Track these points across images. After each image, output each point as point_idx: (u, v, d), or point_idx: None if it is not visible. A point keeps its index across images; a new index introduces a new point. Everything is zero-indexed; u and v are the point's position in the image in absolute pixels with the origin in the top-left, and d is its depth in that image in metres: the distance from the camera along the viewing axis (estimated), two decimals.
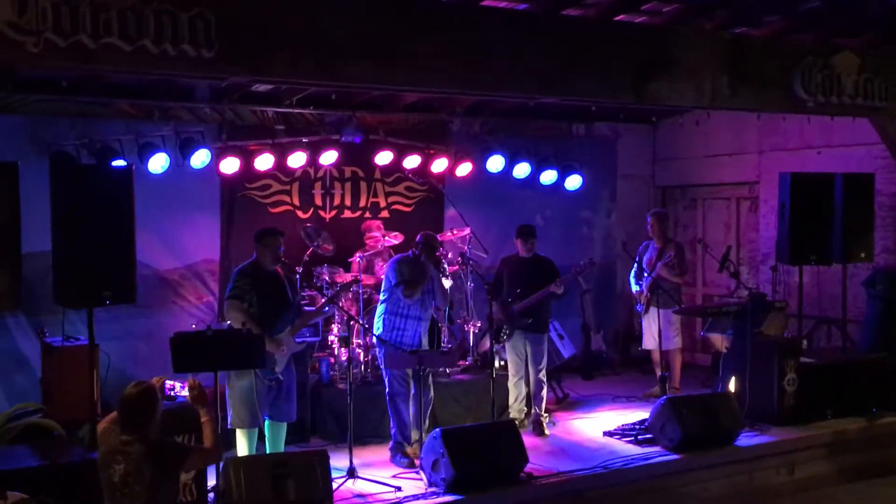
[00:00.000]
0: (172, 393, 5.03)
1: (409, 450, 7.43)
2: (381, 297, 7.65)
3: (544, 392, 8.39)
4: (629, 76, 7.55)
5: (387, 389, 7.49)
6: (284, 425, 6.97)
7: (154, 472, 4.45)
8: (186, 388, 4.92)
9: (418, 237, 7.67)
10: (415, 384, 7.45)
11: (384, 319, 7.51)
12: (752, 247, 11.11)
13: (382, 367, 7.51)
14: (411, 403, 7.46)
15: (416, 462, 7.12)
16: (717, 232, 11.47)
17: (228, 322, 6.72)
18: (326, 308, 7.38)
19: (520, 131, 10.76)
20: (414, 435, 7.46)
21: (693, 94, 7.88)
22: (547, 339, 8.52)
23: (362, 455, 7.46)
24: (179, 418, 6.00)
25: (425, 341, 7.62)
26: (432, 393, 7.57)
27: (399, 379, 7.45)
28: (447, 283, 8.96)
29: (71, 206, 5.95)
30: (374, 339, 7.66)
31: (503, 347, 8.35)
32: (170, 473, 4.55)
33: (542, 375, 8.32)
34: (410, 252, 7.67)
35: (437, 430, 6.71)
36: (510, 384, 8.38)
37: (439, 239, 9.17)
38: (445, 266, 8.89)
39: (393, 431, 7.51)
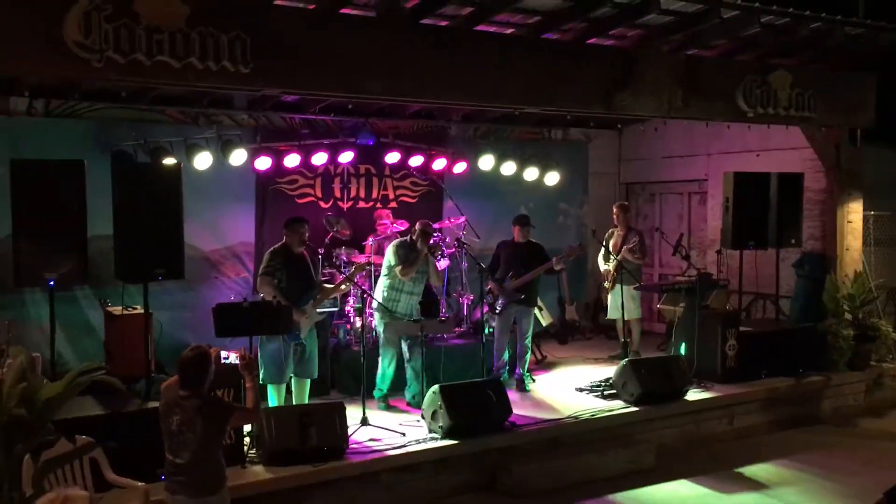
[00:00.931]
0: (226, 361, 5.01)
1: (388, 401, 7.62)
2: (383, 272, 7.67)
3: (528, 356, 8.38)
4: (600, 90, 7.53)
5: (383, 352, 7.56)
6: (308, 381, 6.98)
7: (205, 423, 4.46)
8: (238, 357, 4.90)
9: (417, 225, 7.63)
10: (412, 348, 7.52)
11: (384, 293, 7.56)
12: (701, 234, 11.10)
13: (379, 330, 7.58)
14: (413, 360, 7.60)
15: (389, 402, 7.50)
16: (672, 221, 11.45)
17: (262, 295, 6.70)
18: (343, 285, 7.35)
19: (507, 135, 10.72)
20: (412, 390, 7.61)
21: (653, 105, 7.86)
22: (533, 312, 8.50)
23: (374, 406, 7.50)
24: (222, 376, 5.96)
25: (416, 312, 7.64)
26: (421, 357, 7.56)
27: (390, 342, 7.51)
28: (444, 263, 8.96)
29: (129, 197, 5.94)
30: (374, 307, 7.64)
31: (493, 316, 8.32)
32: (218, 425, 4.56)
33: (528, 342, 8.32)
34: (409, 237, 7.64)
35: (437, 386, 6.72)
36: (496, 348, 8.34)
37: (436, 226, 9.18)
38: (443, 249, 8.88)
39: (378, 379, 7.60)
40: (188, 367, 4.55)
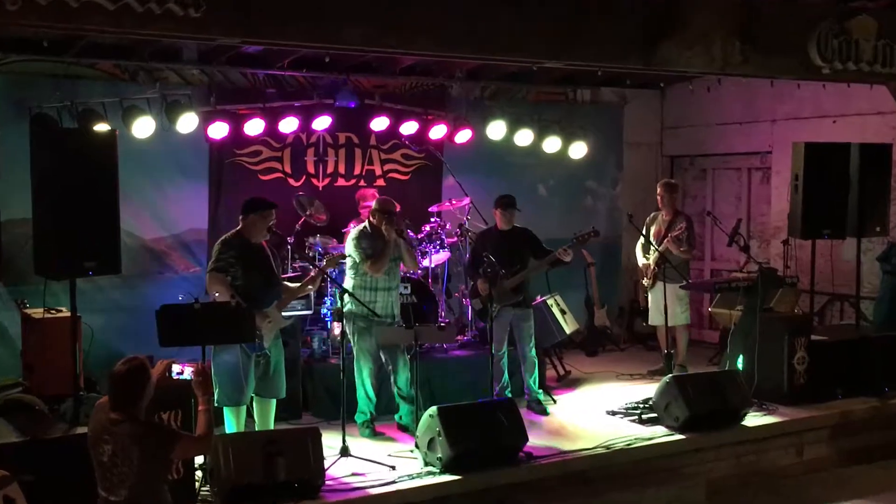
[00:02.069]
0: (180, 377, 5.00)
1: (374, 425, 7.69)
2: (348, 272, 7.67)
3: (536, 369, 8.37)
4: (638, 40, 7.52)
5: (356, 363, 7.58)
6: (273, 402, 6.98)
7: (142, 453, 4.44)
8: (192, 372, 4.91)
9: (374, 203, 7.67)
10: (395, 360, 7.57)
11: (354, 293, 7.53)
12: (763, 220, 11.11)
13: (352, 339, 7.58)
14: (397, 375, 7.63)
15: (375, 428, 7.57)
16: (727, 204, 11.46)
17: (214, 295, 6.70)
18: (313, 282, 7.32)
19: (522, 97, 10.74)
20: (404, 408, 7.67)
21: (704, 59, 7.84)
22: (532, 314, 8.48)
23: (356, 433, 7.51)
24: (167, 395, 5.98)
25: (397, 311, 7.67)
26: (404, 369, 7.59)
27: (366, 353, 7.54)
28: (442, 255, 8.98)
29: (52, 173, 5.93)
30: (345, 310, 7.67)
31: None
32: (159, 457, 4.54)
33: (534, 352, 8.32)
34: (366, 223, 7.66)
35: (434, 408, 6.72)
36: (497, 362, 8.31)
37: (434, 209, 9.24)
38: (442, 238, 8.89)
39: (359, 402, 7.63)
40: (120, 383, 4.54)
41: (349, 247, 7.61)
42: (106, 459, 4.48)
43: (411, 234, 8.66)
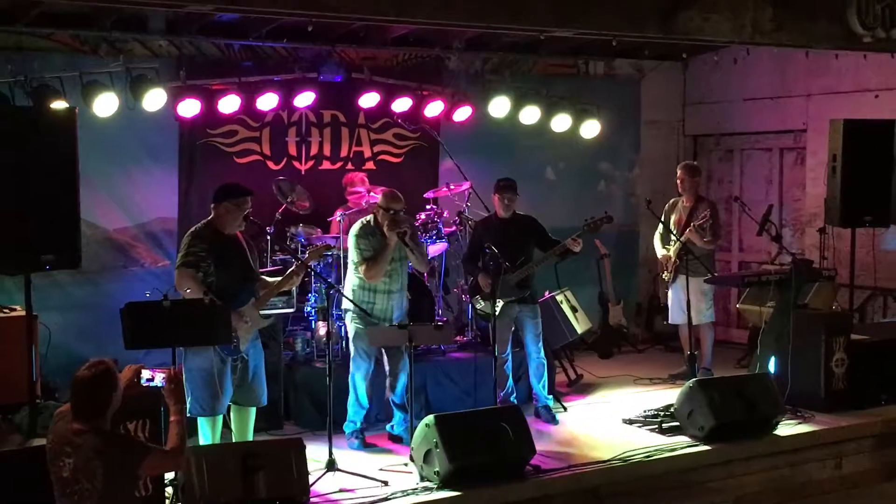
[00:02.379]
0: (150, 384, 5.01)
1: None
2: (350, 268, 7.69)
3: (545, 373, 8.38)
4: (656, 6, 7.52)
5: (356, 366, 7.60)
6: (252, 411, 6.98)
7: (106, 469, 4.44)
8: (164, 378, 4.93)
9: (379, 197, 7.66)
10: (390, 363, 7.60)
11: (353, 292, 7.59)
12: (797, 205, 11.12)
13: (351, 340, 7.62)
14: (396, 380, 7.65)
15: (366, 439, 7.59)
16: (757, 188, 11.47)
17: (188, 291, 6.69)
18: (295, 276, 7.29)
19: (528, 70, 10.73)
20: (397, 416, 7.72)
21: (730, 26, 7.86)
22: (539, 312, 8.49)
23: (344, 444, 7.51)
24: (133, 403, 6.01)
25: (398, 314, 7.67)
26: (405, 374, 7.58)
27: (363, 353, 7.57)
28: (440, 245, 8.98)
29: (3, 155, 5.92)
30: (342, 307, 7.72)
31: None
32: (125, 472, 4.54)
33: (542, 353, 8.33)
34: (371, 217, 7.66)
35: (431, 416, 6.73)
36: (502, 368, 8.31)
37: (430, 195, 9.23)
38: (440, 227, 8.90)
39: (349, 410, 7.65)
40: (84, 390, 4.54)
41: (350, 239, 7.63)
42: (67, 474, 4.48)
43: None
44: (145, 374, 4.99)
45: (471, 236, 8.49)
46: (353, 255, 7.60)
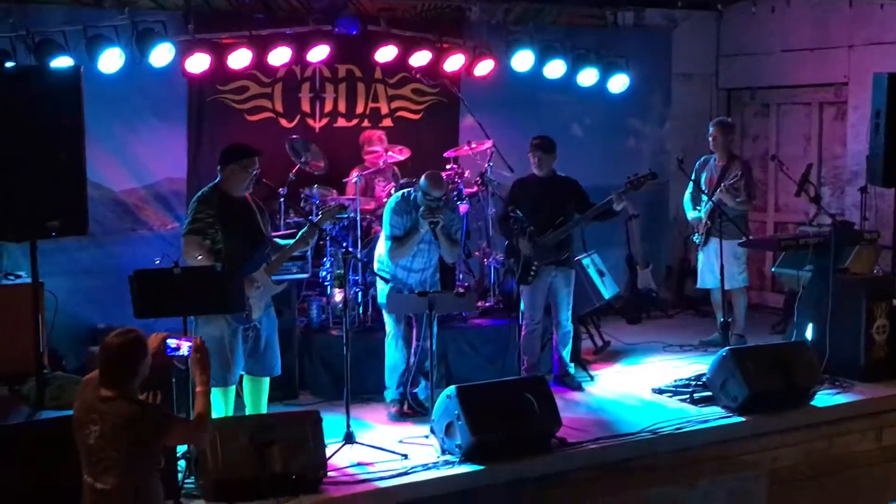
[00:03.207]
0: (177, 353, 5.05)
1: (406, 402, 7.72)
2: (383, 233, 7.70)
3: (570, 343, 8.44)
4: None
5: (387, 330, 7.64)
6: (266, 381, 7.03)
7: (132, 438, 4.51)
8: (191, 347, 4.99)
9: (422, 179, 7.54)
10: (416, 328, 7.61)
11: (381, 261, 7.61)
12: (838, 163, 11.04)
13: (381, 301, 7.66)
14: (411, 352, 7.67)
15: (407, 411, 7.55)
16: (795, 145, 11.38)
17: (199, 257, 6.71)
18: (309, 239, 7.27)
19: (553, 21, 10.64)
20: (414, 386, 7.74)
21: None
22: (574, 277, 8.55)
23: (362, 415, 7.55)
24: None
25: (428, 286, 7.69)
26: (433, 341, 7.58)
27: (392, 316, 7.62)
28: (461, 207, 8.94)
29: (5, 118, 5.93)
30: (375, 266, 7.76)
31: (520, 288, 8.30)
32: (150, 442, 4.61)
33: (570, 322, 8.40)
34: (415, 190, 7.62)
35: (452, 387, 6.76)
36: (529, 333, 8.36)
37: (450, 154, 9.21)
38: (461, 188, 8.87)
39: (386, 376, 7.70)
40: (113, 357, 4.60)
41: (385, 211, 7.64)
42: (93, 442, 4.55)
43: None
44: (170, 342, 5.05)
45: (508, 195, 8.48)
46: (385, 227, 7.63)
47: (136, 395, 4.67)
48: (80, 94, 6.09)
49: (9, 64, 7.34)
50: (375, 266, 7.76)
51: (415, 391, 7.82)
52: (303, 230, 7.09)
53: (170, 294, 6.15)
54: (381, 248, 7.75)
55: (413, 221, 7.53)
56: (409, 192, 7.68)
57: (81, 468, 4.63)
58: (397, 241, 7.53)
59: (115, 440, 4.51)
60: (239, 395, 7.06)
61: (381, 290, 7.68)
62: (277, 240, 7.20)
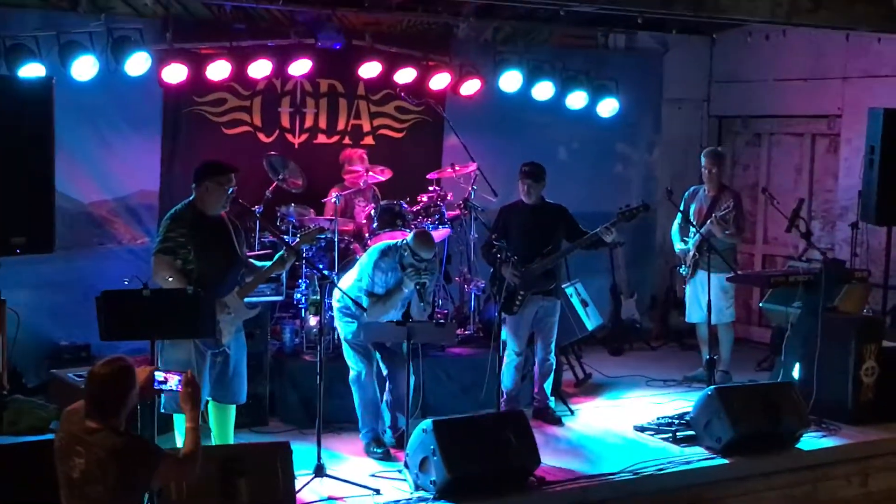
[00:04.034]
0: (164, 387, 4.99)
1: (385, 439, 7.61)
2: (357, 275, 7.55)
3: (552, 374, 8.41)
4: None
5: (349, 370, 7.55)
6: (232, 408, 6.95)
7: (120, 473, 4.46)
8: (180, 381, 4.93)
9: (410, 239, 7.34)
10: (389, 362, 7.54)
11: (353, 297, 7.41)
12: (829, 197, 11.05)
13: (342, 334, 7.56)
14: (387, 384, 7.59)
15: (392, 452, 7.37)
16: (786, 176, 11.40)
17: (166, 280, 6.61)
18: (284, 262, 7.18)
19: (543, 41, 10.65)
20: (388, 419, 7.65)
21: (767, 5, 7.81)
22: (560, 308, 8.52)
23: (334, 446, 7.49)
24: None
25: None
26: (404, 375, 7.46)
27: (360, 350, 7.50)
28: (441, 231, 8.90)
29: None
30: (336, 300, 7.63)
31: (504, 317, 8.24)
32: (137, 477, 4.56)
33: (553, 355, 8.38)
34: (403, 243, 7.40)
35: (429, 421, 6.70)
36: (511, 365, 8.32)
37: (433, 176, 9.17)
38: (443, 211, 8.82)
39: (360, 415, 7.59)
40: (101, 387, 4.57)
41: (366, 262, 7.45)
42: (76, 475, 4.51)
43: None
44: (157, 375, 5.00)
45: (494, 221, 8.43)
46: (363, 276, 7.43)
47: (123, 426, 4.62)
48: (51, 107, 6.05)
49: None
50: (336, 303, 7.60)
51: (392, 424, 7.74)
52: (280, 253, 7.01)
53: (138, 316, 6.06)
54: (347, 281, 7.57)
55: (397, 280, 7.39)
56: (393, 245, 7.50)
57: (61, 500, 4.58)
58: (377, 298, 7.38)
59: (101, 474, 4.47)
60: (204, 419, 6.97)
61: (347, 324, 7.52)
62: (254, 261, 7.12)
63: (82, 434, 4.52)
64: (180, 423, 6.73)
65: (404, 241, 7.40)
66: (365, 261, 7.51)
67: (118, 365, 4.61)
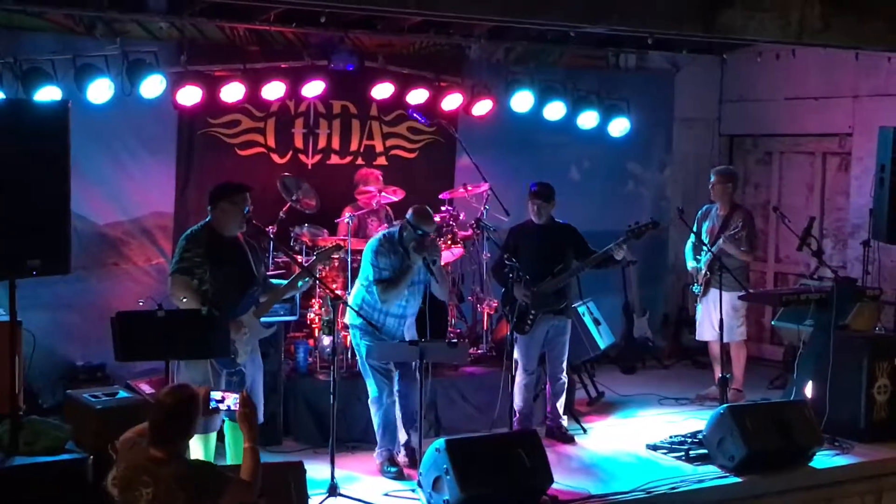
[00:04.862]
0: (221, 405, 5.02)
1: (399, 458, 7.57)
2: (360, 281, 7.61)
3: (564, 393, 8.40)
4: (697, 1, 7.47)
5: (369, 390, 7.54)
6: None
7: (188, 499, 4.50)
8: (237, 401, 4.97)
9: (408, 213, 7.47)
10: (402, 380, 7.52)
11: (361, 309, 7.46)
12: (840, 215, 11.03)
13: (361, 353, 7.54)
14: (398, 401, 7.56)
15: (405, 472, 7.35)
16: (797, 194, 11.37)
17: (182, 299, 6.64)
18: (301, 283, 7.23)
19: (554, 61, 10.66)
20: (402, 437, 7.62)
21: (777, 25, 7.84)
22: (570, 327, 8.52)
23: (348, 465, 7.47)
24: (120, 418, 6.06)
25: (409, 335, 7.58)
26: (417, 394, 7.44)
27: (381, 372, 7.49)
28: (455, 252, 8.91)
29: None
30: (349, 321, 7.66)
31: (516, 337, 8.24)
32: (204, 503, 4.58)
33: (565, 374, 8.36)
34: (397, 230, 7.55)
35: (442, 440, 6.71)
36: (522, 384, 8.31)
37: (445, 196, 9.18)
38: (455, 231, 8.84)
39: (378, 435, 7.57)
40: (168, 417, 4.62)
41: (367, 253, 7.51)
42: None
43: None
44: (214, 395, 5.04)
45: (504, 242, 8.44)
46: (368, 270, 7.47)
47: (186, 453, 4.69)
48: (67, 130, 6.07)
49: None
50: (350, 317, 7.62)
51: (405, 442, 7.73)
52: (295, 273, 7.05)
53: (152, 337, 6.12)
54: (358, 298, 7.56)
55: (402, 260, 7.43)
56: (389, 232, 7.60)
57: None
58: (389, 283, 7.39)
59: (170, 502, 4.50)
60: (221, 439, 6.98)
61: (359, 341, 7.52)
62: (272, 280, 7.16)
63: (148, 463, 4.56)
64: (195, 442, 6.74)
65: (403, 221, 7.48)
66: (366, 254, 7.52)
67: (184, 393, 4.68)
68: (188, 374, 6.56)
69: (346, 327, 7.98)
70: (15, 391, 6.22)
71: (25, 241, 5.94)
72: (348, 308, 7.50)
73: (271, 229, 8.33)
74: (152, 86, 8.27)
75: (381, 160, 9.85)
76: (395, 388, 7.55)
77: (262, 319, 6.93)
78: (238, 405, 4.97)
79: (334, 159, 9.71)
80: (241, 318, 6.73)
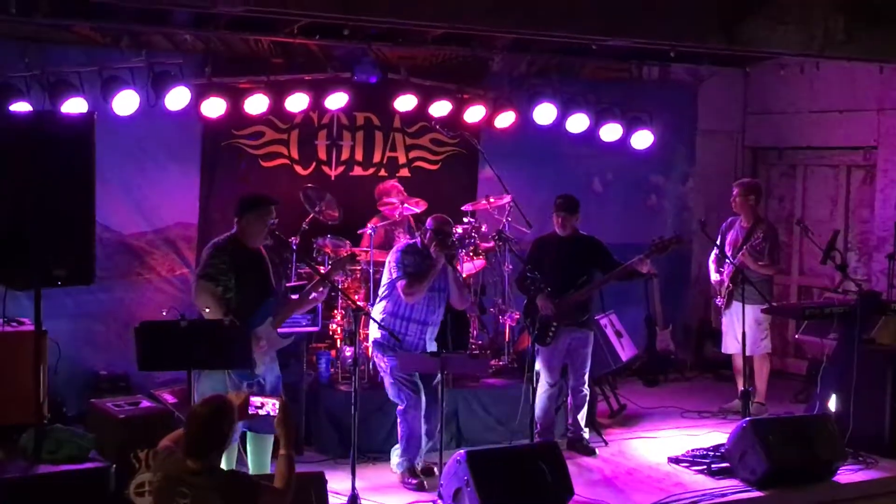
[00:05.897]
0: (260, 411, 5.06)
1: (419, 468, 7.59)
2: (381, 291, 7.66)
3: (586, 406, 8.41)
4: (719, 13, 7.47)
5: (398, 402, 7.54)
6: (270, 438, 6.97)
7: None
8: (276, 406, 5.00)
9: (429, 222, 7.58)
10: (426, 392, 7.52)
11: (383, 320, 7.50)
12: (865, 228, 10.98)
13: (386, 374, 7.55)
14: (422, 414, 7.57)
15: (426, 484, 7.36)
16: (821, 207, 11.33)
17: (205, 308, 6.68)
18: (315, 294, 7.21)
19: (577, 74, 10.67)
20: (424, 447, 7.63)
21: (800, 38, 7.84)
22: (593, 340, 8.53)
23: (368, 476, 7.50)
24: (136, 428, 6.09)
25: (430, 347, 7.61)
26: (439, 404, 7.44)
27: (409, 385, 7.50)
28: (477, 263, 8.93)
29: (17, 163, 5.96)
30: (371, 337, 7.70)
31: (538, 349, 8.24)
32: None
33: (587, 386, 8.37)
34: (418, 239, 7.65)
35: (462, 452, 6.72)
36: (544, 396, 8.33)
37: (468, 208, 9.19)
38: (477, 243, 8.86)
39: (402, 447, 7.58)
40: (204, 427, 4.62)
41: (391, 259, 7.58)
42: None
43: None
44: (254, 400, 5.07)
45: (528, 254, 8.46)
46: (391, 273, 7.52)
47: (221, 463, 4.70)
48: (92, 141, 6.12)
49: (22, 105, 7.42)
50: (372, 333, 7.66)
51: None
52: (311, 283, 7.08)
53: (175, 347, 6.15)
54: (381, 310, 7.60)
55: (425, 261, 7.49)
56: (412, 242, 7.71)
57: None
58: (414, 278, 7.43)
59: None
60: (243, 450, 7.02)
61: (390, 359, 7.51)
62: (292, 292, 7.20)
63: (184, 475, 4.57)
64: None
65: (423, 229, 7.60)
66: (390, 260, 7.59)
67: (218, 404, 4.69)
68: (207, 383, 6.60)
69: (367, 338, 8.01)
70: (40, 400, 6.26)
71: (51, 251, 5.98)
72: (371, 320, 7.51)
73: (294, 240, 8.37)
74: (177, 97, 8.32)
75: (404, 172, 9.88)
76: (423, 401, 7.57)
77: (282, 330, 6.98)
78: (276, 410, 4.98)
79: (357, 171, 9.75)
80: (259, 329, 6.77)
